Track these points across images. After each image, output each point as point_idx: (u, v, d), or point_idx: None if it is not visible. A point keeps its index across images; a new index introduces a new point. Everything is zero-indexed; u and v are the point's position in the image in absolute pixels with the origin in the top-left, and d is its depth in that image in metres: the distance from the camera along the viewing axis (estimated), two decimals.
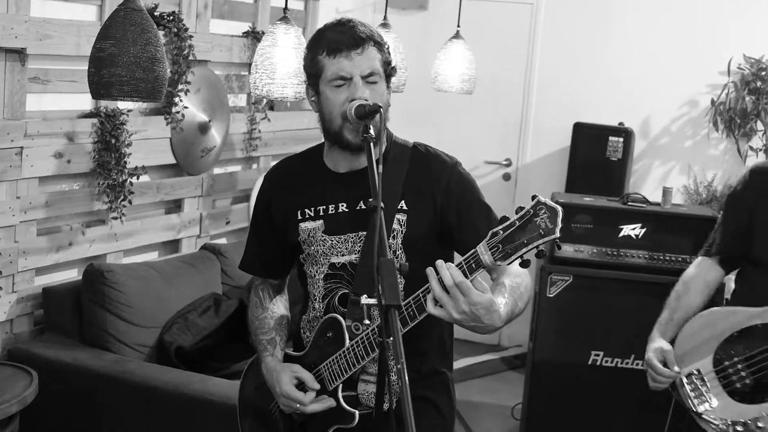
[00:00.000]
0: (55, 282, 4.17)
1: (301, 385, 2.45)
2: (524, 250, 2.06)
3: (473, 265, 2.11)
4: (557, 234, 2.04)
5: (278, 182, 2.59)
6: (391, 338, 1.91)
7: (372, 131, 2.24)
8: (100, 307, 4.02)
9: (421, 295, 2.19)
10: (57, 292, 4.10)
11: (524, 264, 2.10)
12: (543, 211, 2.05)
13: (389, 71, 2.42)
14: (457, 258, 2.37)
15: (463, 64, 4.85)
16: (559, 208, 2.05)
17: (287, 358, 2.57)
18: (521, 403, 5.18)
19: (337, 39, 2.35)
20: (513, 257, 2.07)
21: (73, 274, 4.29)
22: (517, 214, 2.08)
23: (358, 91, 2.33)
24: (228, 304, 4.42)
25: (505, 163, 6.63)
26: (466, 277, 2.10)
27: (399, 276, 2.02)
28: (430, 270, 2.12)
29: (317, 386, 2.43)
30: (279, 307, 2.69)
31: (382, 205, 2.08)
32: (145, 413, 3.77)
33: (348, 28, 2.37)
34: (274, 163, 3.19)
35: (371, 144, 2.21)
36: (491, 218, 2.44)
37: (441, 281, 2.10)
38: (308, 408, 2.41)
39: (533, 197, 2.09)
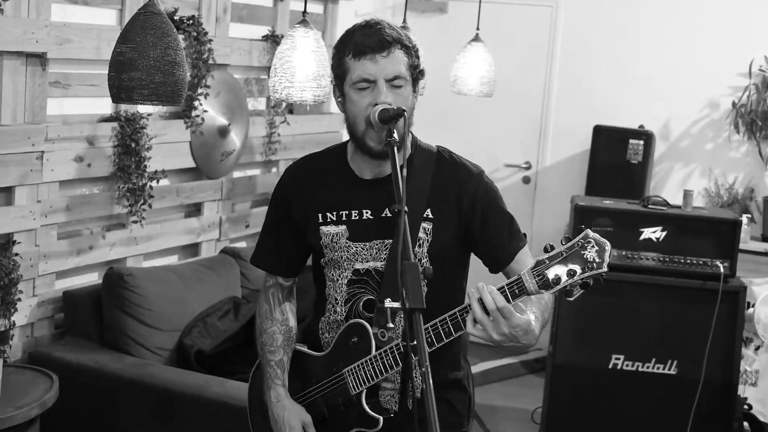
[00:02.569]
0: (76, 285, 4.19)
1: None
2: (570, 281, 2.10)
3: (516, 291, 2.15)
4: (605, 269, 2.09)
5: (300, 180, 2.56)
6: (415, 342, 1.93)
7: (396, 135, 2.24)
8: (120, 311, 4.04)
9: (458, 313, 2.22)
10: (77, 295, 4.11)
11: (568, 294, 2.14)
12: (591, 245, 2.10)
13: (416, 75, 2.41)
14: (480, 269, 2.37)
15: (483, 67, 4.83)
16: (608, 244, 2.09)
17: (306, 358, 2.57)
18: (541, 407, 5.17)
19: (364, 42, 2.35)
20: (557, 287, 2.11)
21: (94, 278, 4.30)
22: (563, 244, 2.12)
23: (381, 95, 2.32)
24: (247, 308, 4.43)
25: (524, 166, 6.61)
26: (509, 301, 2.14)
27: (423, 280, 2.02)
28: (471, 292, 2.15)
29: None
30: (288, 317, 2.64)
31: (406, 209, 2.09)
32: (165, 416, 3.78)
33: (375, 30, 2.36)
34: None
35: (395, 148, 2.22)
36: (513, 228, 2.48)
37: (481, 302, 2.13)
38: None
39: (580, 229, 2.13)
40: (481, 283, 2.16)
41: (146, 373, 3.87)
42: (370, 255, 2.44)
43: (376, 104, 2.31)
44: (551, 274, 2.10)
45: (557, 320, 4.89)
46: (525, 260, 2.36)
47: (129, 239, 4.38)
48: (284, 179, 2.61)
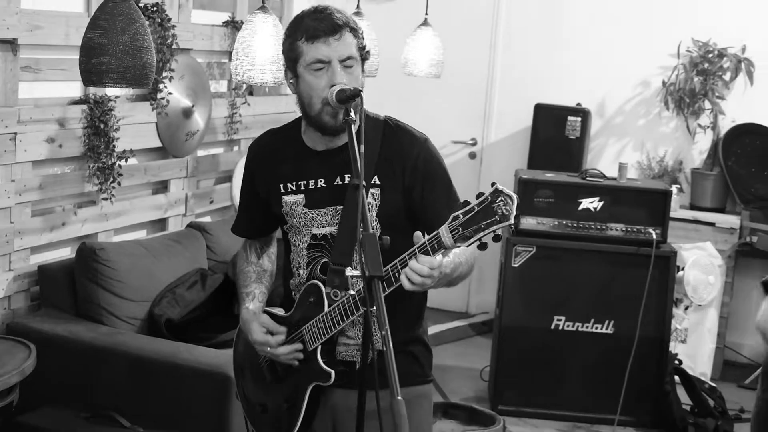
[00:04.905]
0: (50, 260, 4.15)
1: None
2: (481, 234, 2.11)
3: (435, 246, 2.17)
4: (512, 221, 2.09)
5: (261, 156, 2.61)
6: (375, 307, 1.96)
7: (353, 114, 2.26)
8: (92, 283, 4.01)
9: (390, 270, 2.23)
10: (52, 269, 4.07)
11: (482, 247, 2.15)
12: (500, 198, 2.09)
13: (364, 55, 2.44)
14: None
15: (431, 50, 4.85)
16: (515, 196, 2.09)
17: (275, 319, 2.60)
18: (489, 365, 5.23)
19: (316, 26, 2.36)
20: (471, 240, 2.12)
21: (67, 253, 4.27)
22: (477, 199, 2.12)
23: (336, 76, 2.34)
24: (213, 279, 4.42)
25: (471, 142, 6.64)
26: (429, 254, 2.18)
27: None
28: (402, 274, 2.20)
29: (282, 329, 2.50)
30: (264, 261, 2.73)
31: (363, 183, 2.11)
32: (137, 382, 3.77)
33: (325, 15, 2.38)
34: None
35: (351, 126, 2.24)
36: (451, 196, 2.49)
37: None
38: (278, 350, 2.48)
39: (492, 184, 2.13)
40: (398, 259, 2.21)
41: (119, 341, 3.86)
42: (326, 221, 2.48)
43: (333, 85, 2.33)
44: (465, 228, 2.12)
45: (503, 285, 4.94)
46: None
47: (100, 215, 4.35)
48: (248, 156, 2.66)
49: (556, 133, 5.98)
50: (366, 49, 2.45)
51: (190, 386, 3.68)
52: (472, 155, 6.64)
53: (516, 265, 4.90)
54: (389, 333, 1.91)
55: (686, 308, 5.43)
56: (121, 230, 4.55)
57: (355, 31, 2.41)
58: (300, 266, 2.53)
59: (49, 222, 4.07)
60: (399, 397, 1.85)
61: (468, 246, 2.15)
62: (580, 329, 4.92)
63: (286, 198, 2.52)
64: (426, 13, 4.94)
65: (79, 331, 3.90)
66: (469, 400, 5.01)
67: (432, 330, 5.97)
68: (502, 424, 4.50)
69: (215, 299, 4.28)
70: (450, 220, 2.14)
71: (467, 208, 2.13)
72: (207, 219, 5.18)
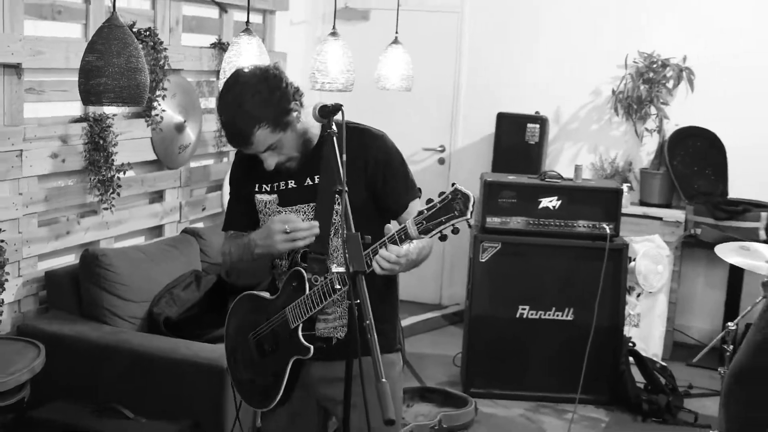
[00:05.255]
0: (56, 266, 4.12)
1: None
2: (442, 227, 2.22)
3: (403, 237, 2.28)
4: (468, 216, 2.20)
5: (245, 160, 2.65)
6: (358, 301, 2.06)
7: (334, 126, 2.33)
8: (96, 286, 3.99)
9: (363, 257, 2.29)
10: (58, 274, 4.05)
11: (442, 238, 2.25)
12: (459, 196, 2.20)
13: (288, 118, 2.40)
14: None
15: (402, 66, 4.85)
16: (472, 195, 2.20)
17: (261, 300, 2.63)
18: (461, 352, 5.24)
19: (229, 140, 2.43)
20: (434, 232, 2.23)
21: (71, 259, 4.24)
22: (439, 197, 2.22)
23: (266, 164, 2.44)
24: (207, 279, 4.40)
25: (439, 149, 6.66)
26: (397, 244, 2.28)
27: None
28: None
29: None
30: None
31: (346, 189, 2.21)
32: (140, 376, 3.75)
33: (233, 129, 2.39)
34: None
35: (333, 138, 2.31)
36: (409, 182, 2.58)
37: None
38: (298, 224, 2.41)
39: (452, 185, 2.23)
40: (370, 248, 2.28)
41: (122, 339, 3.85)
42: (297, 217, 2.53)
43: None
44: (428, 222, 2.22)
45: (472, 279, 4.96)
46: (415, 211, 2.35)
47: (101, 224, 4.33)
48: (235, 160, 2.73)
49: (517, 139, 6.00)
50: (288, 111, 2.39)
51: (188, 379, 3.66)
52: (441, 161, 6.65)
53: (483, 260, 4.92)
54: (373, 322, 2.01)
55: (638, 295, 5.47)
56: (121, 237, 4.53)
57: (266, 116, 2.35)
58: (281, 257, 2.59)
59: (55, 231, 4.05)
60: (384, 380, 1.88)
61: (431, 237, 2.25)
62: (542, 317, 4.94)
63: (258, 197, 2.59)
64: (396, 32, 4.95)
65: (84, 331, 3.88)
66: (443, 384, 5.02)
67: (408, 321, 5.99)
68: (474, 406, 4.52)
69: (209, 298, 4.26)
70: (416, 214, 2.23)
71: (430, 204, 2.22)
72: (200, 225, 5.16)
